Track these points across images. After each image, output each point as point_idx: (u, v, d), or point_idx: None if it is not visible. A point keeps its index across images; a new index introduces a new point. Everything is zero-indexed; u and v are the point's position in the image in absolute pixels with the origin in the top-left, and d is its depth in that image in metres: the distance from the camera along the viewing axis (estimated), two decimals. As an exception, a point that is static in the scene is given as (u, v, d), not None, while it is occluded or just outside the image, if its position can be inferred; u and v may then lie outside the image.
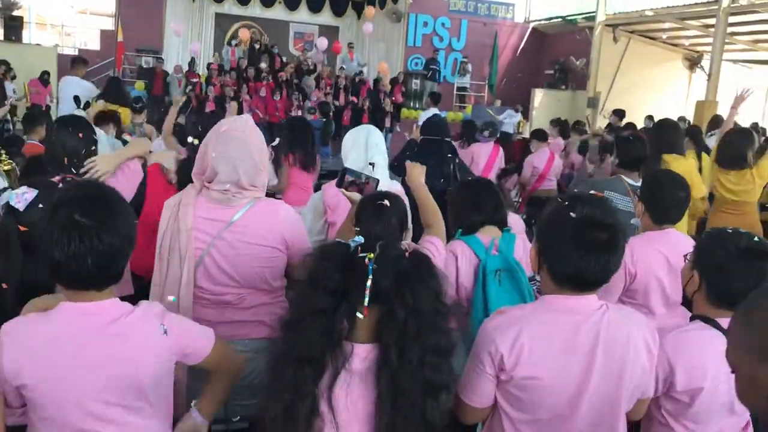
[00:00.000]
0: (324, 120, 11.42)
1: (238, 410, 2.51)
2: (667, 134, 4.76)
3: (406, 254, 1.64)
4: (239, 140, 2.46)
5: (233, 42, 18.16)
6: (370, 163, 3.23)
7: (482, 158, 7.22)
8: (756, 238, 2.03)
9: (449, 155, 5.10)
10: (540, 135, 8.13)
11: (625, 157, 4.17)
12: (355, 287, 1.56)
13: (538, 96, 18.85)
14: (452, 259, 2.88)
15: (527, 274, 2.84)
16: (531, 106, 18.57)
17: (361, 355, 1.60)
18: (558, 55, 20.18)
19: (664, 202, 2.99)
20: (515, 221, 3.46)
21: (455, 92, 19.83)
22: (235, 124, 2.54)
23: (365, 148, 3.34)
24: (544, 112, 17.74)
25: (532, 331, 1.78)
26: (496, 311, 1.96)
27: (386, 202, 2.39)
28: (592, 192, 1.90)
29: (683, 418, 2.07)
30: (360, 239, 1.64)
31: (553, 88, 19.54)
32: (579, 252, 1.74)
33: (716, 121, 10.27)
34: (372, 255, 1.57)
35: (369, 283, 1.54)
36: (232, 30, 19.30)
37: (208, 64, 16.67)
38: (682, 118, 12.77)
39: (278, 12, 19.66)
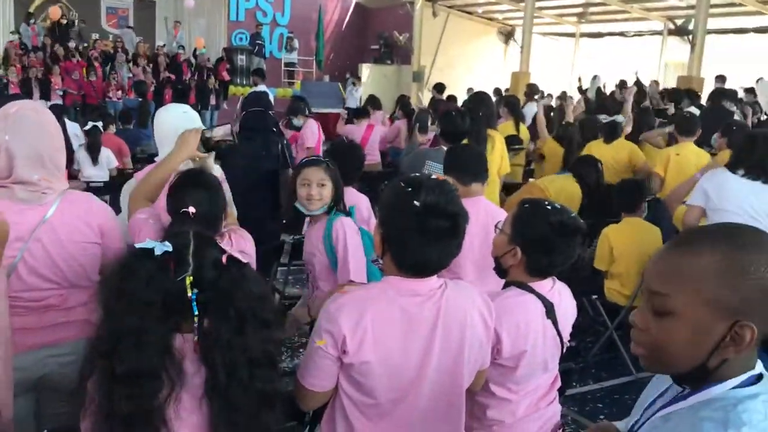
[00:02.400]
0: (141, 100, 10.77)
1: (50, 420, 2.32)
2: (479, 107, 4.94)
3: (224, 258, 1.54)
4: (33, 119, 2.25)
5: (32, 20, 16.63)
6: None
7: (312, 137, 7.19)
8: (572, 213, 2.15)
9: (274, 129, 4.92)
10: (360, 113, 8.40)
11: (446, 129, 4.34)
12: (175, 308, 1.48)
13: (366, 71, 19.07)
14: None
15: (372, 256, 2.85)
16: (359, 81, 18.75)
17: (191, 369, 1.50)
18: (382, 30, 20.47)
19: (467, 163, 3.13)
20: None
21: (283, 68, 19.54)
22: (26, 104, 2.37)
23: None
24: (372, 86, 17.95)
25: (375, 313, 1.74)
26: (338, 292, 1.91)
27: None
28: (434, 176, 1.86)
29: (507, 382, 2.14)
30: (168, 246, 1.50)
31: (379, 62, 19.84)
32: (423, 241, 1.71)
33: (532, 90, 10.93)
34: (191, 279, 1.47)
35: (196, 322, 1.48)
36: (35, 5, 17.65)
37: (7, 44, 15.19)
38: (497, 90, 13.47)
39: (87, -15, 18.27)
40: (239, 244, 2.53)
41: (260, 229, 2.93)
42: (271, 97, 7.39)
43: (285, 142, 5.06)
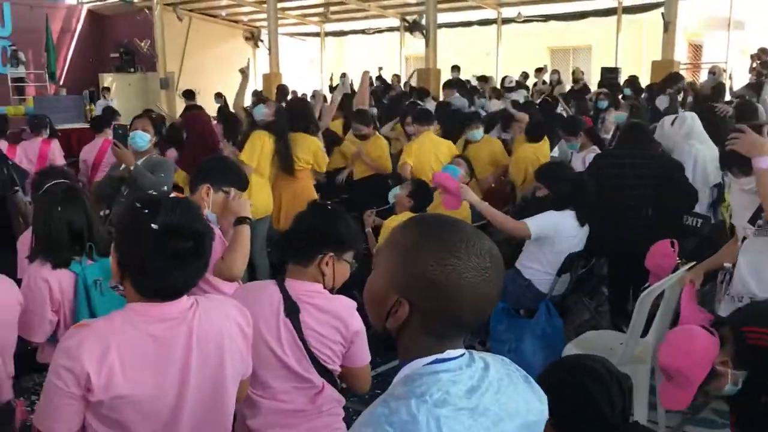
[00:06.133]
0: None
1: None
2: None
3: None
4: None
5: None
6: None
7: (33, 157, 6.59)
8: None
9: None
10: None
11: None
12: None
13: (107, 81, 17.95)
14: (43, 284, 2.55)
15: (110, 282, 2.61)
16: (100, 92, 17.55)
17: None
18: (121, 37, 19.41)
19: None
20: None
21: (11, 84, 17.57)
22: None
23: None
24: (117, 96, 16.91)
25: (122, 345, 1.62)
26: (76, 325, 1.74)
27: None
28: (173, 195, 1.74)
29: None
30: None
31: (122, 71, 18.79)
32: (165, 266, 1.62)
33: (283, 91, 11.02)
34: None
35: None
36: None
37: None
38: (255, 92, 13.36)
39: None
40: None
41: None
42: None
43: (10, 163, 4.61)
